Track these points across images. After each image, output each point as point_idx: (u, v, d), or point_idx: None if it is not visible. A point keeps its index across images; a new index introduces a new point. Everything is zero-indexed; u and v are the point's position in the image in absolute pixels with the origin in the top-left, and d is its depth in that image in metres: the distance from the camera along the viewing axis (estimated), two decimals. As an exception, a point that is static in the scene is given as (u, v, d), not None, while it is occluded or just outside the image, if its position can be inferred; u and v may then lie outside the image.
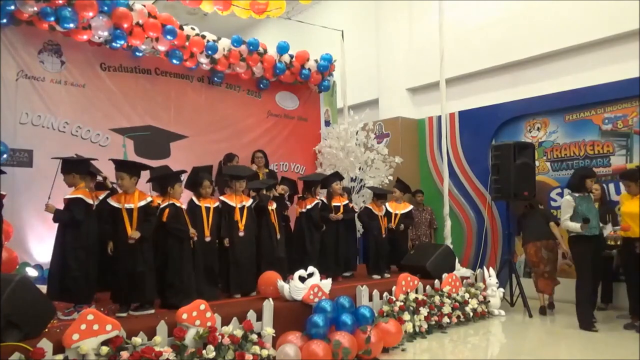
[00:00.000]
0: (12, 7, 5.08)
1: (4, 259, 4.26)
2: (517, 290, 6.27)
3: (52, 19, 5.27)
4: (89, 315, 3.24)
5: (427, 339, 4.94)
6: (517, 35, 7.55)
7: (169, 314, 3.83)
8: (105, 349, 3.21)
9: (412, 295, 5.18)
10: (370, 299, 4.91)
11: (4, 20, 5.17)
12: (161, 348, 3.39)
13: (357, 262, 6.68)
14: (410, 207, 6.80)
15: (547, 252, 6.07)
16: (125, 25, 5.70)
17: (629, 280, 5.30)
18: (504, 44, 7.71)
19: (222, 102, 7.14)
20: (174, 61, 6.37)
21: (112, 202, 4.18)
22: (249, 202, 5.13)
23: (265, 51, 7.12)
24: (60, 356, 3.10)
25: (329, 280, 4.73)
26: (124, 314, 3.95)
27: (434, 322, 5.18)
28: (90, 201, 4.07)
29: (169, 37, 6.03)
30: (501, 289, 6.11)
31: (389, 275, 6.17)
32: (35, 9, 5.15)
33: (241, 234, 4.96)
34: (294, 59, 7.45)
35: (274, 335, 4.00)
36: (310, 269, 4.63)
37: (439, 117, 7.86)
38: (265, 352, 3.79)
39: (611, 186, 6.30)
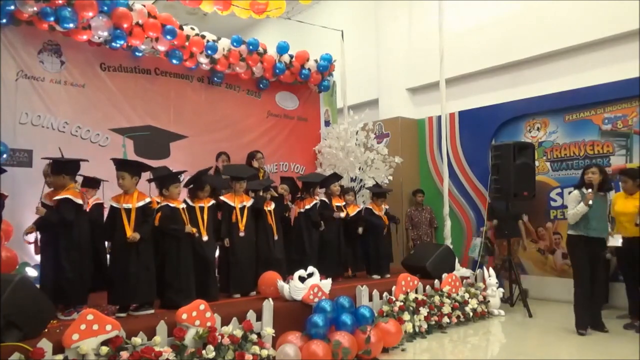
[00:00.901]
0: (12, 7, 5.08)
1: (4, 258, 4.27)
2: (517, 290, 6.27)
3: (52, 19, 5.27)
4: (88, 316, 3.24)
5: (427, 339, 4.94)
6: (517, 35, 7.55)
7: (168, 314, 3.82)
8: (105, 349, 3.21)
9: (412, 295, 5.19)
10: (370, 299, 4.91)
11: (4, 20, 5.17)
12: (161, 348, 3.39)
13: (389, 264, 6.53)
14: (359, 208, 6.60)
15: None
16: (125, 25, 5.71)
17: (628, 280, 5.30)
18: (503, 44, 7.71)
19: (222, 102, 7.14)
20: (174, 61, 6.37)
21: (111, 202, 4.18)
22: (249, 203, 5.13)
23: (265, 51, 7.12)
24: (60, 356, 3.10)
25: (329, 280, 4.73)
26: (124, 314, 3.96)
27: (433, 322, 5.18)
28: (80, 201, 4.04)
29: (168, 37, 6.03)
30: (501, 289, 6.11)
31: (388, 276, 6.17)
32: (35, 9, 5.15)
33: (241, 234, 4.96)
34: (293, 59, 7.45)
35: (274, 335, 4.00)
36: (310, 269, 4.63)
37: (439, 117, 7.86)
38: (265, 352, 3.79)
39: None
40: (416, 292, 5.31)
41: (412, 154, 8.50)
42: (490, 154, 6.85)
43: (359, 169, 7.61)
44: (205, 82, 7.00)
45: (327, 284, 4.64)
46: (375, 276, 6.16)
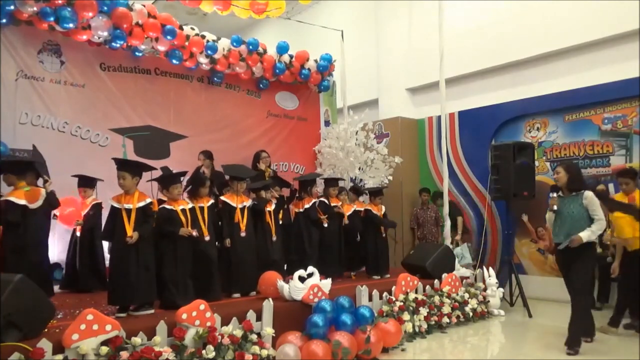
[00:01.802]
0: (12, 7, 5.09)
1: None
2: (516, 290, 6.27)
3: (52, 19, 5.28)
4: (88, 316, 3.23)
5: (426, 339, 4.94)
6: (516, 35, 7.55)
7: (168, 314, 3.82)
8: (104, 349, 3.21)
9: (412, 295, 5.18)
10: (370, 299, 4.91)
11: (4, 20, 5.18)
12: (161, 348, 3.39)
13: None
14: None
15: None
16: (125, 26, 5.71)
17: (628, 281, 5.29)
18: (503, 44, 7.71)
19: (222, 102, 7.15)
20: (174, 61, 6.37)
21: (112, 202, 4.18)
22: (249, 203, 5.14)
23: (265, 51, 7.12)
24: (60, 356, 3.10)
25: (329, 280, 4.73)
26: (124, 314, 3.95)
27: (433, 322, 5.18)
28: (23, 202, 4.01)
29: (168, 37, 6.04)
30: (501, 289, 6.11)
31: (388, 276, 6.17)
32: (35, 9, 5.15)
33: (243, 234, 4.97)
34: (293, 59, 7.45)
35: (274, 335, 4.00)
36: (310, 269, 4.63)
37: (439, 117, 7.86)
38: (265, 352, 3.79)
39: (610, 186, 6.28)
40: (416, 292, 5.31)
41: (412, 154, 8.50)
42: (490, 154, 6.85)
43: (359, 169, 7.61)
44: (205, 82, 7.00)
45: (327, 284, 4.64)
46: (374, 276, 6.15)
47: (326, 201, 6.11)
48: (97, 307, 3.73)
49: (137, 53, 6.23)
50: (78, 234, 5.31)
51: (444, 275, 5.72)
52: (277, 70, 7.29)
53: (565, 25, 7.02)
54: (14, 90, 5.43)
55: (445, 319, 5.27)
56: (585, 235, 4.29)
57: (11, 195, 3.99)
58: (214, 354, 3.55)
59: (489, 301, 5.92)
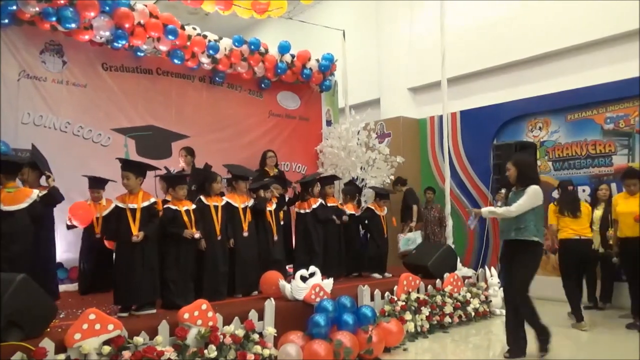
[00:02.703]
0: (14, 7, 5.09)
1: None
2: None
3: (54, 19, 5.28)
4: (90, 315, 3.24)
5: (428, 339, 4.94)
6: (518, 34, 7.55)
7: (170, 313, 3.83)
8: (107, 349, 3.22)
9: (414, 295, 5.18)
10: (372, 299, 4.91)
11: (6, 21, 5.18)
12: (163, 348, 3.40)
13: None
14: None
15: None
16: (127, 25, 5.71)
17: (631, 280, 5.29)
18: (505, 43, 7.71)
19: (224, 102, 7.14)
20: (176, 61, 6.37)
21: (117, 201, 4.19)
22: (250, 202, 5.14)
23: (267, 51, 7.12)
24: (62, 356, 3.10)
25: (331, 280, 4.73)
26: (126, 314, 3.96)
27: (435, 322, 5.18)
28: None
29: (170, 37, 6.04)
30: (502, 289, 6.10)
31: (389, 275, 6.17)
32: (37, 9, 5.15)
33: (245, 234, 4.97)
34: (295, 59, 7.45)
35: (276, 334, 4.00)
36: (312, 268, 4.63)
37: (441, 117, 7.85)
38: (267, 352, 3.79)
39: (613, 186, 6.28)
40: (418, 292, 5.31)
41: (413, 154, 8.50)
42: (492, 154, 6.84)
43: (361, 168, 7.61)
44: (206, 82, 7.00)
45: (328, 283, 4.65)
46: (376, 275, 6.15)
47: (323, 202, 6.10)
48: (99, 306, 3.73)
49: (139, 53, 6.23)
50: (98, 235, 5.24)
51: (446, 275, 5.72)
52: (279, 70, 7.29)
53: (567, 25, 7.01)
54: (16, 90, 5.43)
55: (447, 319, 5.27)
56: (486, 210, 4.22)
57: None
58: (216, 353, 3.56)
59: (490, 301, 5.92)
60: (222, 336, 3.65)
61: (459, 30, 8.11)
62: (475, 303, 5.66)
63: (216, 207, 4.76)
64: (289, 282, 4.53)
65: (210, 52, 6.53)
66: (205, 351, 3.54)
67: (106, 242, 5.01)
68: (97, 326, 3.24)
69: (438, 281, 5.61)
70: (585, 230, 5.48)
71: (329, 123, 8.24)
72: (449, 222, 6.78)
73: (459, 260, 6.32)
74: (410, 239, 6.93)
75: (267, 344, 3.88)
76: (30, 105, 5.53)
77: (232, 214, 4.97)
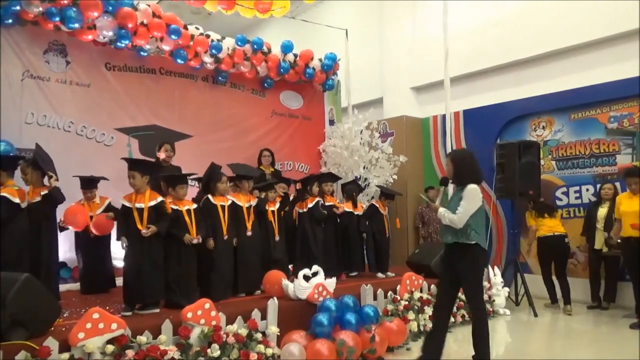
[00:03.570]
0: (18, 8, 5.11)
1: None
2: (522, 289, 6.25)
3: (57, 19, 5.29)
4: (94, 314, 3.24)
5: (431, 338, 4.91)
6: (521, 33, 7.52)
7: (173, 313, 3.83)
8: (110, 348, 3.22)
9: (417, 294, 5.17)
10: (375, 298, 4.90)
11: (10, 21, 5.20)
12: (166, 347, 3.40)
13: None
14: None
15: None
16: (130, 25, 5.72)
17: (635, 280, 5.27)
18: (508, 42, 7.68)
19: (227, 102, 7.16)
20: (179, 61, 6.38)
21: (124, 201, 4.21)
22: (254, 202, 5.15)
23: (270, 50, 7.13)
24: (66, 355, 3.11)
25: (334, 279, 4.73)
26: (129, 313, 3.97)
27: (438, 322, 5.16)
28: (17, 200, 4.00)
29: (173, 36, 6.05)
30: (506, 288, 6.09)
31: (392, 274, 6.16)
32: (41, 9, 5.17)
33: (249, 233, 4.97)
34: (298, 58, 7.45)
35: (279, 334, 4.00)
36: (315, 268, 4.63)
37: (444, 116, 7.82)
38: (270, 351, 3.79)
39: (617, 185, 6.25)
40: (421, 291, 5.30)
41: (416, 153, 8.48)
42: (495, 153, 6.82)
43: (364, 168, 7.61)
44: (209, 81, 7.01)
45: (331, 283, 4.64)
46: (379, 275, 6.14)
47: (321, 200, 6.07)
48: (102, 305, 3.74)
49: (142, 53, 6.24)
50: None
51: (449, 275, 5.70)
52: (282, 70, 7.29)
53: (570, 23, 6.98)
54: (20, 90, 5.45)
55: (450, 318, 5.25)
56: (442, 210, 3.69)
57: (3, 191, 3.95)
58: (219, 352, 3.56)
59: (494, 300, 5.90)
60: (225, 335, 3.65)
61: (461, 29, 8.09)
62: (478, 302, 5.64)
63: (223, 207, 4.77)
64: (292, 281, 4.53)
65: (213, 51, 6.53)
66: (209, 350, 3.54)
67: (92, 229, 5.01)
68: (101, 325, 3.24)
69: (441, 281, 5.59)
70: (558, 227, 6.24)
71: (331, 122, 8.24)
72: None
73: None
74: None
75: (270, 343, 3.88)
76: (33, 105, 5.55)
77: (236, 213, 4.97)
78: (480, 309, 3.72)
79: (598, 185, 6.34)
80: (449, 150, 6.98)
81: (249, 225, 5.00)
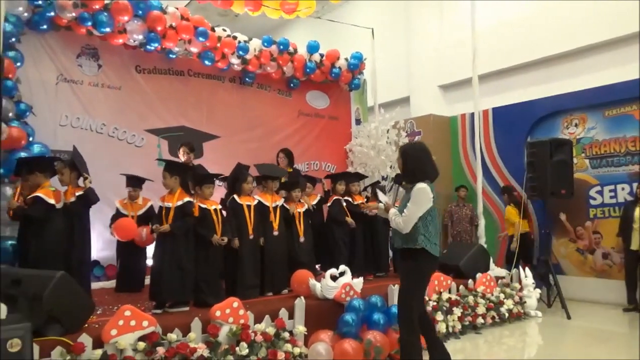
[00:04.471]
0: (52, 14, 5.27)
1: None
2: (554, 291, 6.10)
3: (90, 23, 5.44)
4: (126, 312, 3.32)
5: (460, 340, 4.86)
6: (551, 29, 7.34)
7: (202, 311, 3.89)
8: (141, 345, 3.29)
9: (445, 295, 5.11)
10: (403, 299, 4.85)
11: (44, 26, 5.36)
12: (195, 344, 3.45)
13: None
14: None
15: None
16: (159, 28, 5.82)
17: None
18: (537, 38, 7.51)
19: (254, 102, 7.21)
20: (206, 62, 6.46)
21: (159, 201, 4.34)
22: (281, 202, 5.17)
23: (296, 51, 7.15)
24: (99, 351, 3.19)
25: (361, 279, 4.71)
26: (160, 311, 4.04)
27: (467, 323, 5.09)
28: (52, 201, 4.08)
29: (201, 38, 6.13)
30: (538, 290, 5.96)
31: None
32: (74, 14, 5.32)
33: (275, 233, 5.00)
34: (324, 58, 7.46)
35: (306, 333, 4.01)
36: (342, 267, 4.62)
37: (472, 114, 7.71)
38: (297, 350, 3.81)
39: (654, 184, 6.05)
40: (449, 292, 5.24)
41: (444, 152, 8.37)
42: (526, 151, 6.68)
43: (390, 167, 7.55)
44: (236, 82, 7.08)
45: (358, 282, 4.62)
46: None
47: (350, 199, 6.05)
48: (134, 303, 3.82)
49: (170, 55, 6.35)
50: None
51: (478, 275, 5.62)
52: (308, 70, 7.30)
53: (601, 18, 6.78)
54: (55, 94, 5.61)
55: (480, 320, 5.18)
56: (392, 213, 3.38)
57: (39, 192, 4.08)
58: (247, 351, 3.59)
59: (525, 302, 5.78)
60: (253, 334, 3.68)
61: (489, 25, 7.95)
62: (509, 304, 5.54)
63: (249, 207, 4.81)
64: (319, 281, 4.53)
65: (240, 53, 6.59)
66: (237, 348, 3.58)
67: (137, 240, 5.13)
68: (133, 322, 3.31)
69: (470, 281, 5.52)
70: (526, 225, 6.78)
71: (358, 122, 8.21)
72: (481, 222, 6.65)
73: (491, 260, 6.20)
74: None
75: (298, 342, 3.90)
76: (67, 107, 5.70)
77: (263, 213, 5.01)
78: (404, 317, 3.29)
79: (634, 184, 6.14)
80: (477, 149, 6.84)
81: (275, 225, 5.02)
